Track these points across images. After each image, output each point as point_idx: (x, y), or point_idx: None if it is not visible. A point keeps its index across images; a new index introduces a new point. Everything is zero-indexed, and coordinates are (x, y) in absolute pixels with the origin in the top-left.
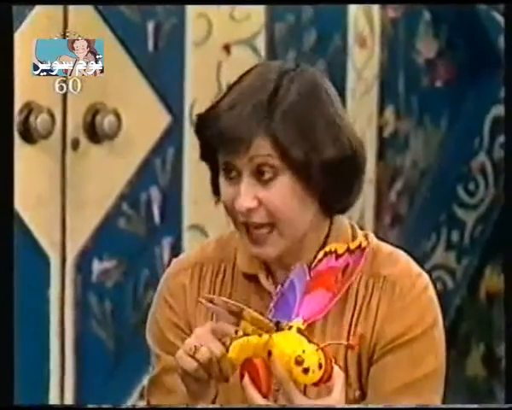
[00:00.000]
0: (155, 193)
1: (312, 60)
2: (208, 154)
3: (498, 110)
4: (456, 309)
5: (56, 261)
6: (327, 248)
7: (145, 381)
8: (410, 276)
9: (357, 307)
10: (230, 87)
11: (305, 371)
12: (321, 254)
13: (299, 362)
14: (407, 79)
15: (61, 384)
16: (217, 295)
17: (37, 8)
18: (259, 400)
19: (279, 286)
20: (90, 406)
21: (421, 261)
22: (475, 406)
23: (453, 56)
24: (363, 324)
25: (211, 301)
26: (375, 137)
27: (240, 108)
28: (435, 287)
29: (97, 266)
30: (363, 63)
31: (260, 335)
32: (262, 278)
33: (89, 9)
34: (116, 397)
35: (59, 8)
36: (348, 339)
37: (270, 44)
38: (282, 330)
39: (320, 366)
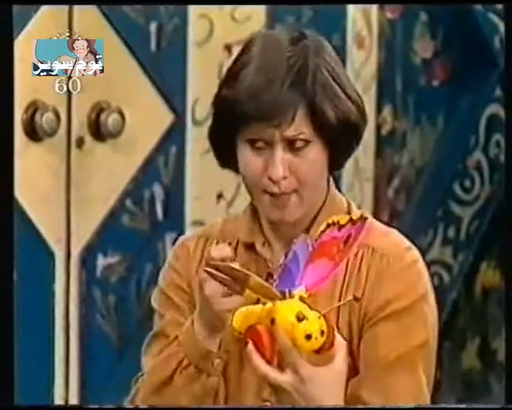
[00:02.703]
0: (158, 190)
1: None
2: (227, 130)
3: (493, 109)
4: (453, 303)
5: (61, 257)
6: (329, 220)
7: None
8: (399, 248)
9: (347, 278)
10: (237, 60)
11: (308, 337)
12: (323, 226)
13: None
14: (404, 79)
15: (65, 378)
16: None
17: (43, 9)
18: (263, 366)
19: (282, 258)
20: (91, 406)
21: None
22: (475, 405)
23: (449, 56)
24: (352, 293)
25: (217, 268)
26: (373, 136)
27: (274, 83)
28: (432, 282)
29: (101, 262)
30: (362, 63)
31: (264, 304)
32: (258, 245)
33: (93, 11)
34: (120, 390)
35: (64, 9)
36: (339, 309)
37: None
38: (285, 298)
39: (322, 332)
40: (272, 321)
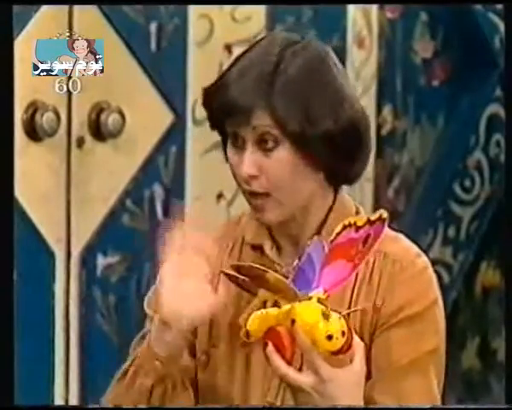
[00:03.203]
0: (158, 190)
1: None
2: (217, 123)
3: (494, 109)
4: (453, 303)
5: (61, 257)
6: (346, 222)
7: None
8: (410, 254)
9: (358, 283)
10: (237, 58)
11: (329, 337)
12: (339, 228)
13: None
14: (404, 79)
15: (65, 378)
16: (224, 264)
17: (43, 9)
18: (284, 367)
19: (296, 260)
20: (90, 406)
21: None
22: (476, 406)
23: (449, 56)
24: (365, 299)
25: (237, 269)
26: (373, 136)
27: (244, 79)
28: None
29: (102, 262)
30: (362, 63)
31: (280, 306)
32: (267, 247)
33: (93, 11)
34: None
35: (64, 9)
36: (349, 314)
37: None
38: (301, 300)
39: (343, 333)
40: (292, 322)
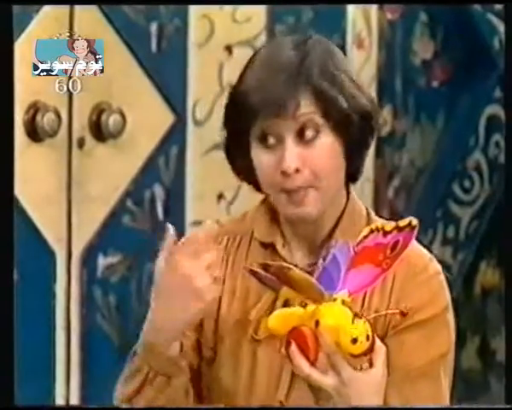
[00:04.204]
0: (159, 190)
1: None
2: (243, 126)
3: (493, 109)
4: (452, 303)
5: (62, 257)
6: (373, 226)
7: None
8: (423, 259)
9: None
10: (252, 60)
11: (354, 341)
12: (366, 231)
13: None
14: (404, 79)
15: (66, 378)
16: (231, 261)
17: (44, 9)
18: (307, 368)
19: (320, 260)
20: (90, 406)
21: None
22: (476, 406)
23: (449, 57)
24: (378, 299)
25: (265, 268)
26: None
27: (276, 74)
28: None
29: (102, 262)
30: (361, 64)
31: (304, 305)
32: (279, 245)
33: (94, 11)
34: None
35: (65, 10)
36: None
37: None
38: (325, 300)
39: (367, 337)
40: (317, 323)
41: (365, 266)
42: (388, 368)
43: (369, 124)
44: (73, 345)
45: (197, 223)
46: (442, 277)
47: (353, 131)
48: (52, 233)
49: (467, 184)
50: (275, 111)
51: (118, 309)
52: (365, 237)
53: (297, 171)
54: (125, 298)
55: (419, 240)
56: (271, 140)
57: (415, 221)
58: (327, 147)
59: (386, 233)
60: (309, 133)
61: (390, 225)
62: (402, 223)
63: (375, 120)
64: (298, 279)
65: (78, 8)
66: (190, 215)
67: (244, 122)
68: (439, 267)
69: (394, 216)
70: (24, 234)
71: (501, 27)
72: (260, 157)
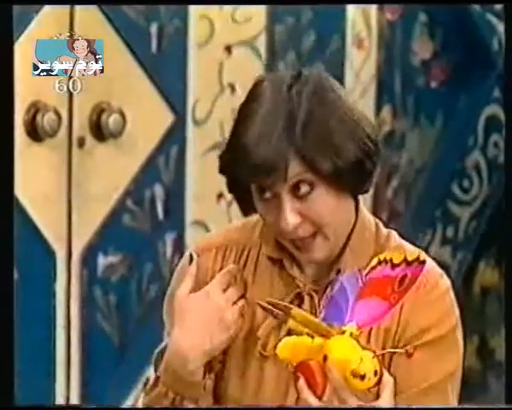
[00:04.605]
0: (159, 190)
1: (311, 60)
2: (237, 184)
3: (492, 109)
4: None
5: (62, 256)
6: (381, 257)
7: (149, 372)
8: (434, 276)
9: None
10: (241, 112)
11: (362, 377)
12: (375, 262)
13: (355, 375)
14: (403, 80)
15: (66, 377)
16: (239, 276)
17: (45, 10)
18: (315, 402)
19: (328, 289)
20: (89, 406)
21: None
22: (475, 406)
23: (448, 57)
24: (388, 318)
25: (272, 305)
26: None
27: (266, 138)
28: None
29: (102, 261)
30: (361, 64)
31: (311, 337)
32: (287, 263)
33: (94, 11)
34: (121, 389)
35: (65, 10)
36: (370, 333)
37: (271, 45)
38: (332, 335)
39: (376, 373)
40: (325, 358)
41: (373, 299)
42: (396, 386)
43: (373, 157)
44: (73, 345)
45: (197, 223)
46: (451, 293)
47: (349, 179)
48: (52, 233)
49: (466, 183)
50: (266, 173)
51: (118, 309)
52: (373, 267)
53: (297, 226)
54: (125, 298)
55: (418, 240)
56: (268, 194)
57: (423, 256)
58: (323, 197)
59: (394, 266)
60: (303, 189)
61: (399, 257)
62: (410, 257)
63: (373, 157)
64: (301, 318)
65: (78, 8)
66: (190, 215)
67: (241, 178)
68: (448, 283)
69: (393, 216)
70: (24, 233)
71: (500, 28)
72: (260, 207)
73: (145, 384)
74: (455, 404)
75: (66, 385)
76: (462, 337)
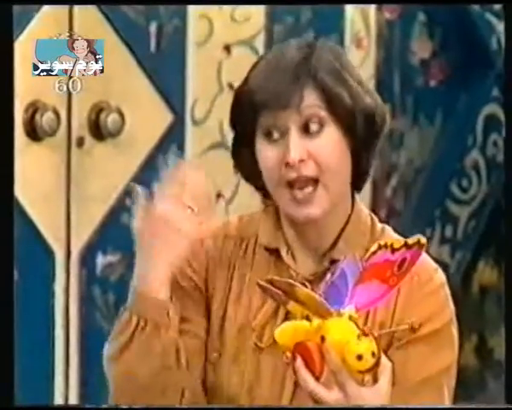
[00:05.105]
0: None
1: None
2: (248, 121)
3: (491, 109)
4: None
5: (61, 256)
6: (382, 242)
7: None
8: (428, 270)
9: None
10: (253, 68)
11: (359, 357)
12: (375, 247)
13: (352, 354)
14: (402, 79)
15: (65, 376)
16: (237, 267)
17: (44, 9)
18: (312, 383)
19: (328, 274)
20: (89, 406)
21: None
22: (474, 405)
23: (447, 57)
24: (383, 312)
25: (271, 282)
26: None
27: (283, 71)
28: None
29: (101, 260)
30: (360, 63)
31: (309, 320)
32: (283, 251)
33: (93, 11)
34: None
35: (65, 10)
36: (365, 326)
37: (270, 45)
38: (331, 316)
39: (373, 354)
40: (322, 339)
41: (372, 282)
42: (392, 380)
43: (374, 125)
44: (72, 344)
45: None
46: (446, 288)
47: (358, 130)
48: (51, 232)
49: (465, 183)
50: (279, 104)
51: (117, 308)
52: (374, 253)
53: (301, 161)
54: (125, 297)
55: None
56: (276, 135)
57: (423, 239)
58: (332, 140)
59: (394, 250)
60: (313, 126)
61: (399, 242)
62: (411, 241)
63: (380, 122)
64: (304, 297)
65: (77, 8)
66: None
67: (249, 119)
68: (443, 278)
69: (392, 215)
70: (23, 233)
71: (499, 27)
72: (265, 152)
73: None
74: (450, 399)
75: (65, 385)
76: (457, 333)
